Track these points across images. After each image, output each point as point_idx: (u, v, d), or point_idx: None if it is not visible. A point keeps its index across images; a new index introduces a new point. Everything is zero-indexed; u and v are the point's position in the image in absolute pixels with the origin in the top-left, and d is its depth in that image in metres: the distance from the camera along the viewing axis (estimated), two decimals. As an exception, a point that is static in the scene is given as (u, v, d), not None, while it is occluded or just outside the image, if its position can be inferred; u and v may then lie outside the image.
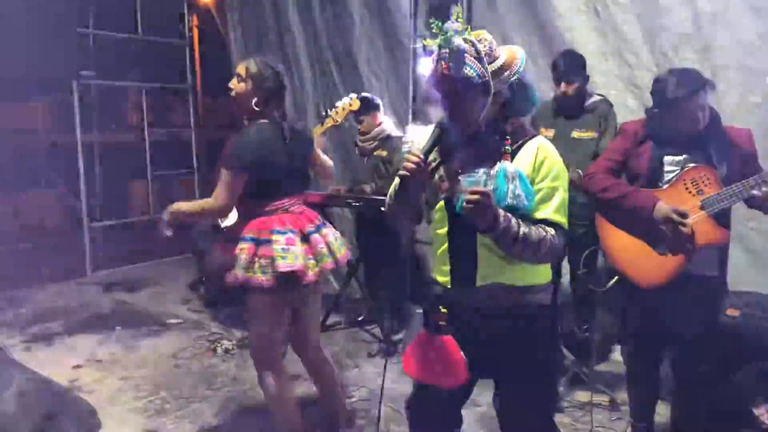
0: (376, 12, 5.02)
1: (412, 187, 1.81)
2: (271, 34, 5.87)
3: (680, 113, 2.47)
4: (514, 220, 1.75)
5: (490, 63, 1.75)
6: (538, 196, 1.80)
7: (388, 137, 4.36)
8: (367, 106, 4.26)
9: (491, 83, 1.74)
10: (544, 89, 3.62)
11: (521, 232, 1.74)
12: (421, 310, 4.01)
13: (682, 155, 2.56)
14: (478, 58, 1.72)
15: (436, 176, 1.89)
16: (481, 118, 1.79)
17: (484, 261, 1.86)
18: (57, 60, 6.10)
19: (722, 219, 2.51)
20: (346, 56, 5.26)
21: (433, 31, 1.76)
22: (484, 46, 1.75)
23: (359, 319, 4.64)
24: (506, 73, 1.79)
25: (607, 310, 3.59)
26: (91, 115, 6.95)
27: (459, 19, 1.75)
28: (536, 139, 1.86)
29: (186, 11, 7.42)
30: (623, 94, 3.78)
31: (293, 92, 5.61)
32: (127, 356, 4.19)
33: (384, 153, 4.33)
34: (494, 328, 1.88)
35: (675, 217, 2.42)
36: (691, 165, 2.51)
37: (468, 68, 1.72)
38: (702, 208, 2.48)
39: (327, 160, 2.98)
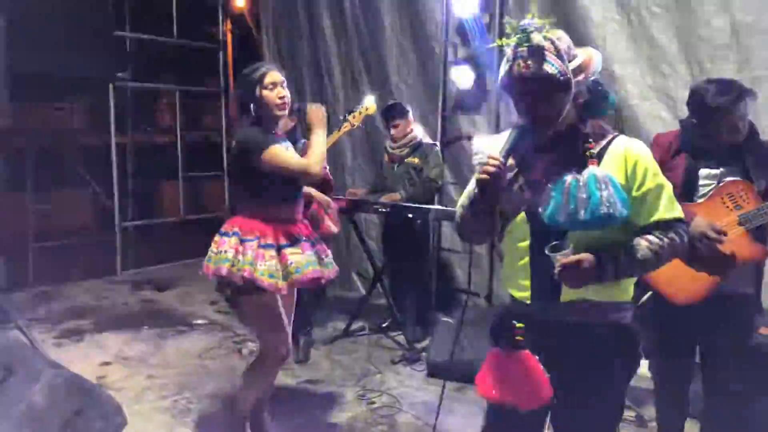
0: (407, 19, 5.04)
1: (491, 194, 1.72)
2: (304, 40, 5.92)
3: (720, 123, 2.41)
4: (621, 256, 1.68)
5: (569, 62, 1.69)
6: (649, 198, 1.71)
7: (420, 144, 4.36)
8: (398, 113, 4.27)
9: (573, 81, 1.68)
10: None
11: (637, 261, 1.68)
12: (447, 319, 4.00)
13: (718, 168, 2.49)
14: (559, 55, 1.66)
15: (515, 186, 1.80)
16: (561, 119, 1.72)
17: None
18: (94, 62, 6.22)
19: (759, 235, 2.45)
20: (376, 63, 5.29)
21: (507, 31, 1.71)
22: (563, 44, 1.69)
23: (383, 325, 4.63)
24: (584, 74, 1.73)
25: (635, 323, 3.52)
26: (126, 117, 7.08)
27: (536, 18, 1.69)
28: (621, 140, 1.75)
29: (221, 16, 7.54)
30: (657, 105, 3.73)
31: (324, 97, 5.73)
32: (154, 355, 4.24)
33: (415, 160, 4.33)
34: (575, 345, 1.77)
35: (712, 234, 2.34)
36: (729, 179, 2.45)
37: (550, 65, 1.64)
38: (740, 224, 2.42)
39: None
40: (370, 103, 3.45)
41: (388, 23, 5.15)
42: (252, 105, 2.66)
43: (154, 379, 3.84)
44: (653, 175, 1.73)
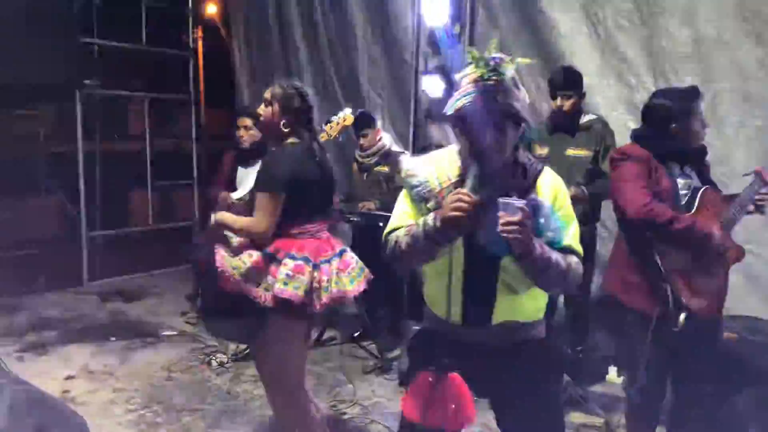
0: (379, 30, 5.06)
1: (461, 230, 1.71)
2: (275, 48, 5.92)
3: (683, 128, 2.51)
4: (546, 246, 1.74)
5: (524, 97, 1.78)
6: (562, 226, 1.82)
7: (389, 152, 4.36)
8: (368, 122, 4.27)
9: (525, 119, 1.75)
10: (546, 109, 3.64)
11: (554, 258, 1.74)
12: (417, 328, 4.00)
13: (689, 175, 2.58)
14: (518, 89, 1.74)
15: None
16: (509, 148, 1.79)
17: (503, 298, 1.82)
18: (61, 69, 6.12)
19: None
20: (348, 72, 5.30)
21: (469, 60, 1.73)
22: (516, 75, 1.77)
23: (355, 335, 4.61)
24: (527, 106, 1.79)
25: (601, 330, 3.57)
26: (94, 124, 6.97)
27: (501, 51, 1.74)
28: (547, 172, 1.86)
29: (191, 23, 7.47)
30: (624, 115, 3.80)
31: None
32: (121, 368, 4.16)
33: (385, 168, 4.33)
34: (503, 365, 1.86)
35: (730, 243, 2.47)
36: (703, 188, 2.54)
37: (515, 102, 1.71)
38: (723, 228, 2.49)
39: None
40: (347, 113, 3.44)
41: (359, 32, 5.17)
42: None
43: (120, 392, 3.77)
44: (567, 207, 1.85)
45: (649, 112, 2.63)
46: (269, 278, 2.46)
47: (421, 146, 4.77)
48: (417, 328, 3.92)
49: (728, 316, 2.93)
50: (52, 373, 3.99)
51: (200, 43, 7.63)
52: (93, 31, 6.64)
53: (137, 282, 6.44)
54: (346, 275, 2.63)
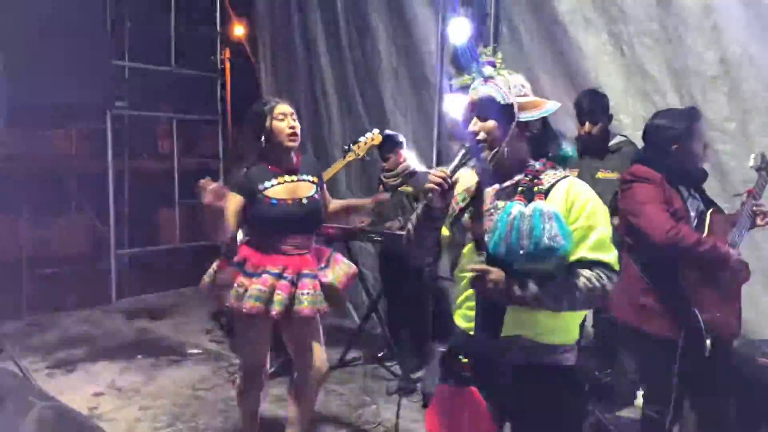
0: (403, 49, 5.10)
1: (437, 207, 1.82)
2: (301, 69, 5.99)
3: (694, 148, 2.51)
4: (531, 285, 1.70)
5: (518, 95, 1.82)
6: (576, 237, 1.74)
7: (413, 173, 4.39)
8: (392, 144, 4.30)
9: (515, 109, 1.79)
10: (570, 128, 3.62)
11: (549, 293, 1.70)
12: (443, 349, 3.97)
13: (695, 197, 2.57)
14: (507, 86, 1.82)
15: (466, 215, 1.87)
16: (504, 143, 1.80)
17: (513, 311, 1.78)
18: (92, 90, 6.28)
19: None
20: (372, 92, 5.33)
21: (470, 73, 1.92)
22: (516, 80, 1.85)
23: (379, 355, 4.59)
24: (533, 111, 1.82)
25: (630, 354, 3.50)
26: (123, 144, 7.11)
27: (497, 56, 1.89)
28: (568, 180, 1.82)
29: (219, 45, 7.61)
30: (650, 135, 3.75)
31: (320, 125, 5.77)
32: (147, 385, 4.20)
33: (408, 189, 4.35)
34: (516, 385, 1.81)
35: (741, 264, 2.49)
36: (709, 210, 2.54)
37: (494, 90, 1.81)
38: (732, 246, 2.46)
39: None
40: (375, 133, 3.51)
41: (383, 52, 5.21)
42: (263, 137, 2.72)
43: (146, 410, 3.80)
44: (587, 216, 1.76)
45: (648, 133, 2.63)
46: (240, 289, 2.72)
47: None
48: (441, 349, 3.93)
49: (762, 340, 2.88)
50: (79, 390, 4.04)
51: (228, 64, 7.76)
52: (124, 53, 6.80)
53: (164, 300, 6.52)
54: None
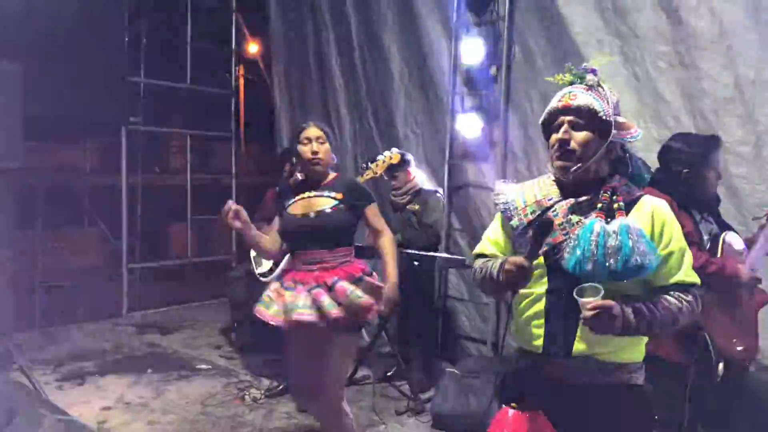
0: (415, 68, 5.13)
1: (514, 288, 1.76)
2: (314, 87, 6.05)
3: (706, 175, 2.51)
4: (645, 311, 1.65)
5: (616, 113, 1.76)
6: (671, 260, 1.71)
7: (420, 191, 4.41)
8: (401, 163, 4.32)
9: (612, 125, 1.71)
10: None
11: (657, 321, 1.66)
12: (453, 369, 3.96)
13: (710, 221, 2.56)
14: (608, 100, 1.74)
15: (534, 229, 1.76)
16: (591, 163, 1.73)
17: (583, 328, 1.69)
18: (107, 106, 6.37)
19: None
20: (384, 111, 5.37)
21: (565, 71, 1.84)
22: (615, 98, 1.78)
23: (388, 374, 4.57)
24: (623, 132, 1.75)
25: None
26: (137, 159, 7.19)
27: (596, 65, 1.82)
28: (648, 199, 1.77)
29: (233, 62, 7.70)
30: (662, 157, 3.75)
31: (332, 142, 5.79)
32: (156, 400, 4.20)
33: (416, 207, 4.37)
34: (585, 404, 1.74)
35: (755, 282, 2.46)
36: (725, 233, 2.52)
37: (595, 102, 1.72)
38: (750, 270, 2.45)
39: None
40: (394, 152, 3.54)
41: (396, 72, 5.25)
42: (294, 158, 2.94)
43: (155, 425, 3.80)
44: (678, 237, 1.73)
45: (662, 155, 2.63)
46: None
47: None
48: (450, 369, 3.91)
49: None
50: (89, 404, 4.05)
51: (242, 81, 7.86)
52: (140, 69, 6.90)
53: (174, 314, 6.54)
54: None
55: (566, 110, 1.74)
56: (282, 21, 6.45)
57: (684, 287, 1.72)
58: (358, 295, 2.69)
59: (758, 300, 2.54)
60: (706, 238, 2.53)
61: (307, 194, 2.86)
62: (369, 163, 3.51)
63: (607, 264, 1.60)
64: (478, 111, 4.60)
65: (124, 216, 6.60)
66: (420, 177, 4.48)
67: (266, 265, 4.02)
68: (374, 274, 2.94)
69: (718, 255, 2.50)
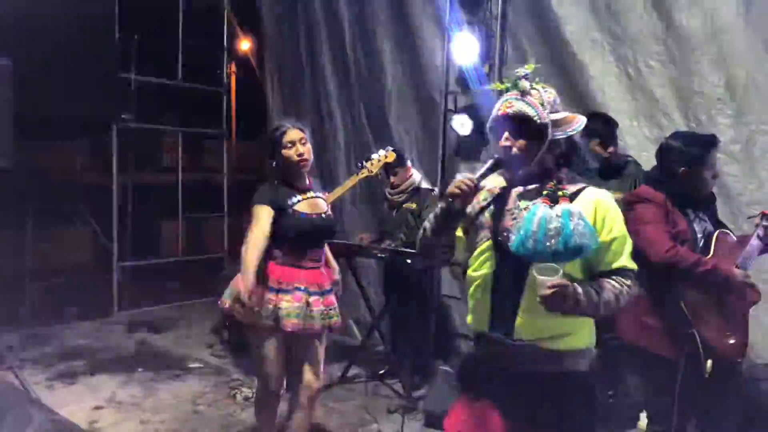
0: (408, 67, 5.12)
1: (456, 213, 1.87)
2: (307, 86, 6.03)
3: (701, 174, 2.52)
4: (592, 292, 1.77)
5: (551, 112, 1.84)
6: (613, 246, 1.82)
7: (417, 189, 4.40)
8: (398, 161, 4.32)
9: (548, 128, 1.82)
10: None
11: (602, 301, 1.76)
12: (446, 367, 3.96)
13: (704, 219, 2.57)
14: (542, 103, 1.83)
15: (486, 214, 1.92)
16: (535, 161, 1.84)
17: (526, 309, 1.81)
18: (99, 103, 6.31)
19: None
20: (377, 109, 5.36)
21: (504, 81, 1.95)
22: (549, 96, 1.87)
23: (380, 372, 4.57)
24: (564, 127, 1.85)
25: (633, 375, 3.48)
26: (128, 156, 7.14)
27: (529, 70, 1.91)
28: (591, 190, 1.88)
29: (225, 59, 7.67)
30: (654, 156, 3.76)
31: (325, 141, 5.78)
32: (147, 399, 4.18)
33: (413, 205, 4.36)
34: (530, 394, 1.83)
35: (749, 284, 2.47)
36: (717, 231, 2.53)
37: (529, 108, 1.82)
38: (741, 269, 2.46)
39: None
40: (389, 150, 3.54)
41: (389, 71, 5.24)
42: (276, 162, 2.89)
43: (146, 425, 3.78)
44: (620, 226, 1.85)
45: (660, 153, 2.64)
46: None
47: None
48: (444, 367, 3.91)
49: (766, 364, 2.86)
50: (79, 403, 4.02)
51: (234, 79, 7.82)
52: (130, 66, 6.85)
53: (166, 313, 6.51)
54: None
55: (504, 118, 1.86)
56: (274, 19, 6.43)
57: (624, 272, 1.83)
58: (337, 313, 2.95)
59: (749, 298, 2.54)
60: (699, 236, 2.54)
61: (308, 195, 2.93)
62: (364, 162, 3.50)
63: (548, 244, 1.69)
64: (471, 110, 4.60)
65: (115, 214, 6.56)
66: (417, 176, 4.48)
67: None
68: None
69: (710, 253, 2.51)
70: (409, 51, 5.07)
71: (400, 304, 4.43)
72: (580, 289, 1.74)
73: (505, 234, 1.83)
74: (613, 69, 3.91)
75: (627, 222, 2.63)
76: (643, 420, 3.69)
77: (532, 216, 1.74)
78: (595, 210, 1.81)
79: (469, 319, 1.98)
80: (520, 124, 1.83)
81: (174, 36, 7.11)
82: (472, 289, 1.94)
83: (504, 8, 4.35)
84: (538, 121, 1.81)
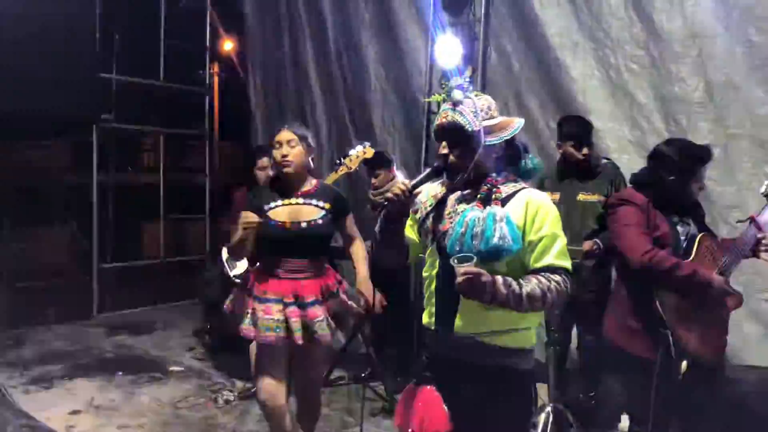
0: (392, 69, 5.13)
1: (395, 216, 1.94)
2: (290, 86, 6.01)
3: (695, 180, 2.52)
4: (515, 284, 1.81)
5: (485, 119, 1.91)
6: (540, 245, 1.87)
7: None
8: (382, 161, 4.31)
9: (481, 136, 1.89)
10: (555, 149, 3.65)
11: (524, 293, 1.81)
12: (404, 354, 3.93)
13: (688, 223, 2.58)
14: (474, 112, 1.90)
15: (430, 218, 2.01)
16: (471, 166, 1.91)
17: (464, 305, 1.89)
18: (78, 103, 6.24)
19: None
20: (361, 111, 5.35)
21: (441, 92, 2.00)
22: (483, 104, 1.93)
23: (363, 375, 4.55)
24: (498, 133, 1.93)
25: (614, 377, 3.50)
26: (109, 157, 7.06)
27: (465, 78, 1.97)
28: (526, 191, 1.94)
29: (207, 59, 7.60)
30: (635, 158, 3.79)
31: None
32: (127, 403, 4.13)
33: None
34: (469, 384, 1.92)
35: (730, 289, 2.46)
36: (700, 234, 2.53)
37: (461, 117, 1.89)
38: (722, 274, 2.46)
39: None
40: (367, 146, 3.51)
41: (373, 72, 5.24)
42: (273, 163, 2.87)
43: (126, 429, 3.74)
44: (551, 225, 1.89)
45: (652, 157, 2.64)
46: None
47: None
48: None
49: (744, 366, 2.89)
50: (57, 408, 3.96)
51: (216, 79, 7.75)
52: (112, 66, 6.77)
53: (146, 315, 6.45)
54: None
55: (442, 129, 1.94)
56: (257, 19, 6.40)
57: (553, 270, 1.88)
58: (323, 327, 2.75)
59: (729, 303, 2.55)
60: (683, 238, 2.54)
61: (294, 200, 2.81)
62: (342, 159, 3.48)
63: (473, 244, 1.80)
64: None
65: (95, 215, 6.48)
66: (400, 177, 4.46)
67: (241, 267, 3.97)
68: (344, 282, 3.02)
69: (692, 257, 2.51)
70: (393, 52, 5.08)
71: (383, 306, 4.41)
72: (500, 279, 1.80)
73: (442, 237, 1.94)
74: (594, 72, 3.94)
75: (610, 224, 2.66)
76: (625, 421, 3.71)
77: (463, 219, 1.85)
78: (526, 209, 1.89)
79: (424, 313, 2.07)
80: (454, 133, 1.91)
81: (156, 36, 7.05)
82: (425, 287, 2.05)
83: (487, 11, 4.36)
84: (470, 129, 1.88)
